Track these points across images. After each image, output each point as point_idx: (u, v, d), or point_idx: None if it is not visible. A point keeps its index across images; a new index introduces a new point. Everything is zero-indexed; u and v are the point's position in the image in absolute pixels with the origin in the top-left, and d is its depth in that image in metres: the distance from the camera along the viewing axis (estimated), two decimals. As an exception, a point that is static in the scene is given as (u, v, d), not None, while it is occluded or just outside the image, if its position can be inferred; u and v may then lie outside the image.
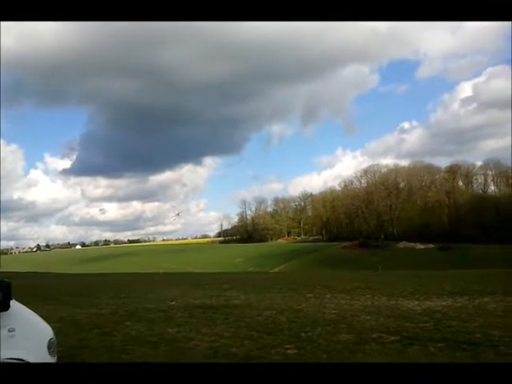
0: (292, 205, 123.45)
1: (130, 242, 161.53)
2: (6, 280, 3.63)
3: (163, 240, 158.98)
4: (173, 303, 13.44)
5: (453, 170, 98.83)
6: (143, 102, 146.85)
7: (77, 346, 7.27)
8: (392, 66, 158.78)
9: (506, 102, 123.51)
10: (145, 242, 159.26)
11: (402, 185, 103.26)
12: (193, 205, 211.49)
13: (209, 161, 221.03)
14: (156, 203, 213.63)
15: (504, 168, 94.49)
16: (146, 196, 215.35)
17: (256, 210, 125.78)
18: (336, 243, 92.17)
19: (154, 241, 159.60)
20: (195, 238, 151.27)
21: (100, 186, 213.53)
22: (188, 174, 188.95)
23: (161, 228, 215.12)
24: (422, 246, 78.88)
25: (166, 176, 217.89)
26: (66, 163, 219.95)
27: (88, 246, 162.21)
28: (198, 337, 8.16)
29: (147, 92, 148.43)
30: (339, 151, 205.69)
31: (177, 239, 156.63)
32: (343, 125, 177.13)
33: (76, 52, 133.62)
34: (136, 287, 21.46)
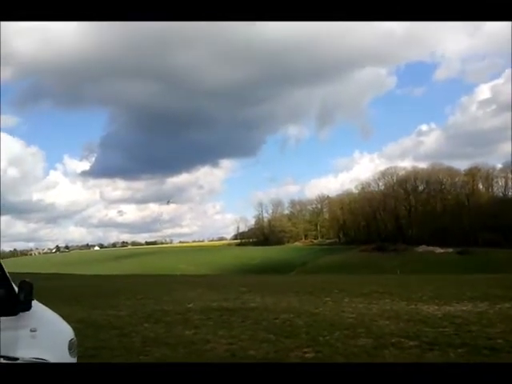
0: (309, 207, 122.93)
1: (147, 243, 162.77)
2: (27, 280, 3.68)
3: (180, 242, 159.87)
4: (190, 305, 13.49)
5: (472, 173, 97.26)
6: (161, 105, 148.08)
7: (96, 346, 7.35)
8: (409, 68, 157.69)
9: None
10: (162, 243, 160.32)
11: (420, 187, 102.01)
12: (209, 207, 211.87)
13: (225, 163, 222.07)
14: (173, 205, 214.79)
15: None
16: (163, 198, 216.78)
17: (272, 212, 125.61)
18: (353, 246, 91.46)
19: (170, 243, 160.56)
20: (212, 241, 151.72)
21: (118, 187, 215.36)
22: (204, 176, 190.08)
23: (178, 230, 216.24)
24: (442, 250, 77.73)
25: (182, 178, 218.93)
26: (85, 165, 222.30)
27: (106, 247, 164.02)
28: (215, 339, 8.18)
29: (165, 95, 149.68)
30: (356, 154, 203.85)
31: (193, 241, 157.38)
32: (360, 127, 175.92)
33: (95, 54, 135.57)
34: (153, 289, 21.60)
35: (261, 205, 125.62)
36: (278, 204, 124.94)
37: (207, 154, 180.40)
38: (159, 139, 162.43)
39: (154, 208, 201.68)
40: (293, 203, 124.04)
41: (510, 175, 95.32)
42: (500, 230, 77.91)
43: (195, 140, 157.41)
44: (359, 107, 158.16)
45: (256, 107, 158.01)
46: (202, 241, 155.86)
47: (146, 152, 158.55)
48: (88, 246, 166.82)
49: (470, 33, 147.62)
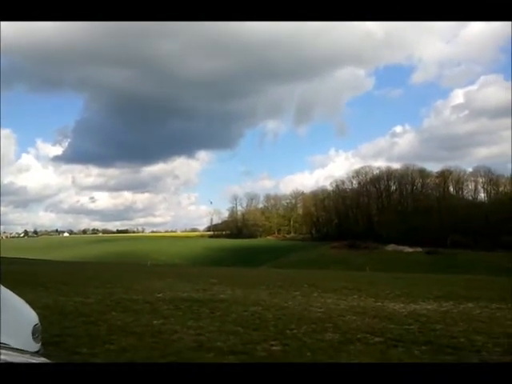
0: (283, 202, 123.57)
1: (118, 232, 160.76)
2: (-9, 264, 3.58)
3: (152, 232, 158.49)
4: (159, 295, 13.40)
5: (444, 176, 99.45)
6: (139, 93, 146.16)
7: (61, 333, 7.21)
8: (387, 69, 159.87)
9: (497, 110, 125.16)
10: (133, 232, 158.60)
11: (393, 187, 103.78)
12: (184, 198, 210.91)
13: (202, 154, 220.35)
14: (147, 194, 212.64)
15: (494, 175, 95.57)
16: (137, 186, 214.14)
17: (247, 206, 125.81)
18: (325, 242, 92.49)
19: (142, 232, 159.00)
20: (184, 231, 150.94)
21: (91, 174, 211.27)
22: (180, 166, 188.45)
23: (151, 219, 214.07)
24: (411, 250, 79.42)
25: (158, 167, 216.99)
26: (58, 150, 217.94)
27: (76, 234, 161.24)
28: (183, 330, 8.14)
29: (144, 83, 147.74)
30: (332, 151, 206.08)
31: (166, 231, 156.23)
32: (337, 126, 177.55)
33: (72, 39, 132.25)
34: (123, 277, 21.37)
35: (235, 198, 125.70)
36: (252, 198, 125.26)
37: (184, 145, 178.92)
38: (136, 127, 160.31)
39: (127, 196, 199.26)
40: (267, 198, 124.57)
41: (479, 179, 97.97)
42: (469, 233, 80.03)
43: (173, 130, 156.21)
44: (337, 106, 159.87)
45: (236, 101, 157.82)
46: (175, 231, 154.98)
47: (121, 140, 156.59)
48: (57, 232, 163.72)
49: (448, 39, 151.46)
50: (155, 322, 8.89)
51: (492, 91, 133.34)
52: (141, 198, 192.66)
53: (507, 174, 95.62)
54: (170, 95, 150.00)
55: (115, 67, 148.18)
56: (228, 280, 21.19)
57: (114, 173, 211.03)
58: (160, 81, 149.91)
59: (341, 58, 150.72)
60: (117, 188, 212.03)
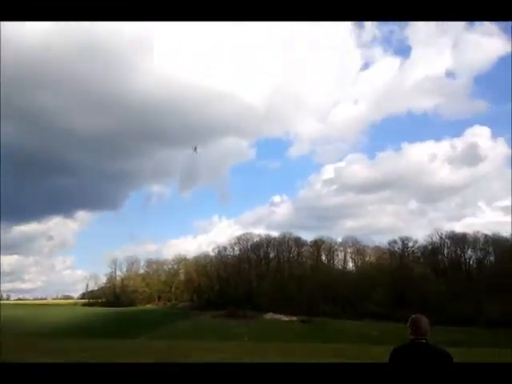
0: (165, 268, 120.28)
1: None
2: None
3: (19, 299, 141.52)
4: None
5: (317, 245, 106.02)
6: (16, 146, 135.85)
7: None
8: (267, 142, 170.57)
9: (362, 186, 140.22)
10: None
11: (272, 255, 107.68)
12: (58, 261, 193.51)
13: (81, 214, 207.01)
14: (16, 256, 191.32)
15: (361, 246, 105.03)
16: (5, 247, 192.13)
17: (127, 270, 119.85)
18: (205, 311, 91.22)
19: (7, 299, 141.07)
20: (56, 299, 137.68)
21: None
22: (56, 226, 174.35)
23: (18, 285, 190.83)
24: (287, 319, 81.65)
25: (31, 227, 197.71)
26: None
27: None
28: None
29: (23, 135, 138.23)
30: (215, 217, 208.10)
31: (35, 299, 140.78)
32: (220, 192, 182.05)
33: None
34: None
35: (115, 262, 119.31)
36: (133, 262, 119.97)
37: (63, 203, 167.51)
38: (9, 182, 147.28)
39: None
40: (149, 262, 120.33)
41: (348, 250, 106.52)
42: (338, 302, 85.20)
43: (51, 187, 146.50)
44: (221, 173, 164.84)
45: (121, 160, 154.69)
46: (45, 298, 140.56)
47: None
48: None
49: (321, 119, 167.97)
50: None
51: (357, 168, 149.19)
52: (9, 261, 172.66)
53: (372, 244, 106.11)
54: (51, 150, 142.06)
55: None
56: (99, 353, 20.14)
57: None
58: (40, 134, 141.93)
59: (225, 127, 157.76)
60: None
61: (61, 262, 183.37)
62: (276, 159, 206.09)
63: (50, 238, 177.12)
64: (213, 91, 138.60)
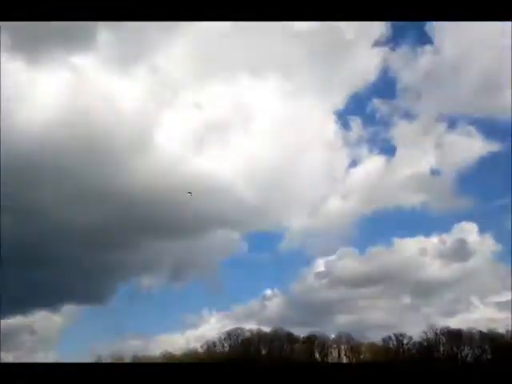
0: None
1: None
2: None
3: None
4: None
5: (310, 341, 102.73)
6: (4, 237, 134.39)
7: None
8: (259, 236, 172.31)
9: (354, 280, 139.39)
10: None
11: (263, 351, 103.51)
12: (39, 357, 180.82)
13: (67, 309, 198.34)
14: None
15: (355, 342, 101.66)
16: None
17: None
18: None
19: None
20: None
21: None
22: (41, 321, 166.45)
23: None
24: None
25: (14, 321, 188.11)
26: None
27: None
28: None
29: (9, 227, 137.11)
30: (205, 311, 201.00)
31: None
32: (211, 285, 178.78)
33: None
34: None
35: (99, 359, 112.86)
36: (118, 359, 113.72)
37: (49, 297, 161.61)
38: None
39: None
40: (135, 359, 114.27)
41: (342, 346, 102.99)
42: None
43: (36, 280, 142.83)
44: (212, 265, 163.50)
45: (110, 253, 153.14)
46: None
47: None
48: None
49: (312, 213, 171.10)
50: None
51: (348, 262, 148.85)
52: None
53: (366, 340, 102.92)
54: (40, 242, 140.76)
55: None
56: None
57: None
58: (28, 226, 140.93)
59: (215, 220, 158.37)
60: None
61: (42, 359, 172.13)
62: (268, 252, 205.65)
63: (33, 332, 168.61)
64: (204, 184, 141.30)
